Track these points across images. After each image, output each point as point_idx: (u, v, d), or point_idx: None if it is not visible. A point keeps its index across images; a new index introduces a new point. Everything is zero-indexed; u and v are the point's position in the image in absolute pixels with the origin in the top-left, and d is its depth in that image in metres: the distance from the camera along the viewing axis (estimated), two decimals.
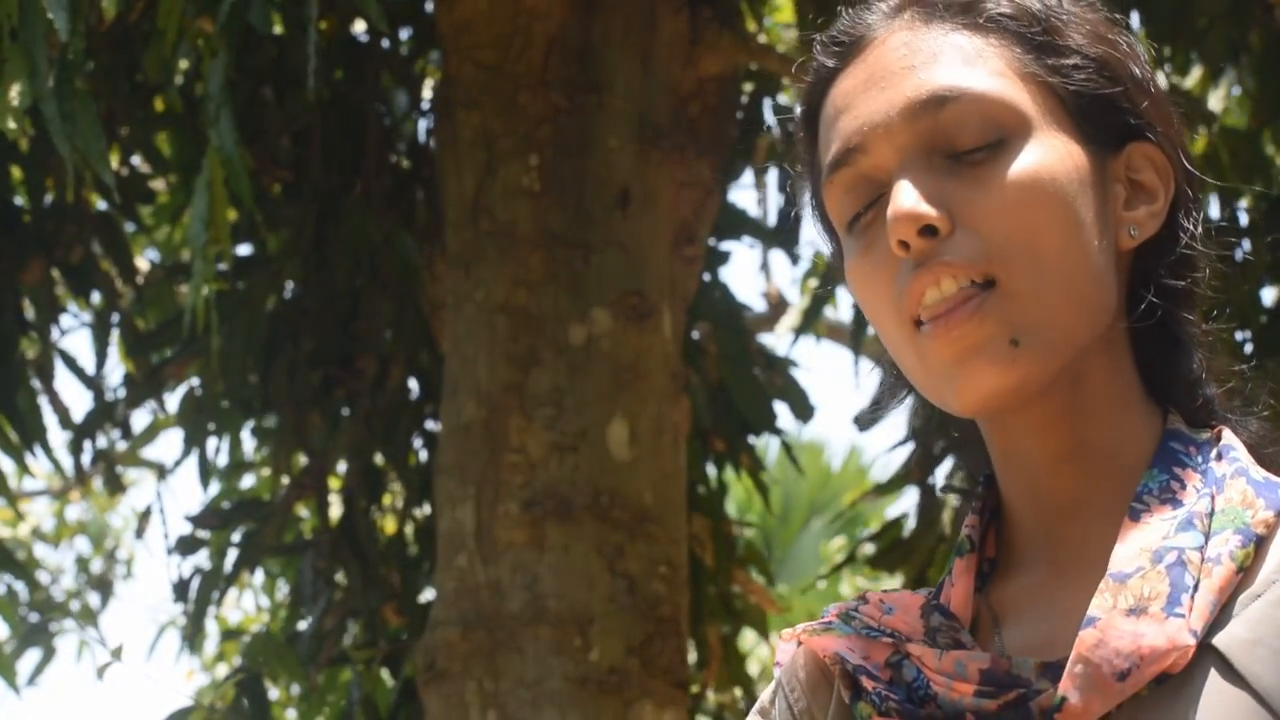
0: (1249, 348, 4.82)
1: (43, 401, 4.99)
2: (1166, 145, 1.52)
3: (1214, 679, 1.36)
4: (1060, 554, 1.48)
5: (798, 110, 1.60)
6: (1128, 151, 1.51)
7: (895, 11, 1.54)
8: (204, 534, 5.46)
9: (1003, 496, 1.54)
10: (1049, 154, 1.46)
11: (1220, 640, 1.37)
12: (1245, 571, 1.40)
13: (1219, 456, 1.47)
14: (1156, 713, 1.36)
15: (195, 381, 5.31)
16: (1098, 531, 1.46)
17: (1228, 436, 1.49)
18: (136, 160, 5.24)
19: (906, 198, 1.43)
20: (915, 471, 5.22)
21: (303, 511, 5.80)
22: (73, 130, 3.52)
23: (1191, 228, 1.52)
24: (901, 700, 1.43)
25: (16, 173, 4.91)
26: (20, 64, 3.46)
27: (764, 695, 1.59)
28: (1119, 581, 1.39)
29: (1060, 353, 1.44)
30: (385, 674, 5.37)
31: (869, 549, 5.63)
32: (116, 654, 3.78)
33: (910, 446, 5.32)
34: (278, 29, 4.57)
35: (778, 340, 7.57)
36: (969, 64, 1.48)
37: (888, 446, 5.37)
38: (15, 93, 3.46)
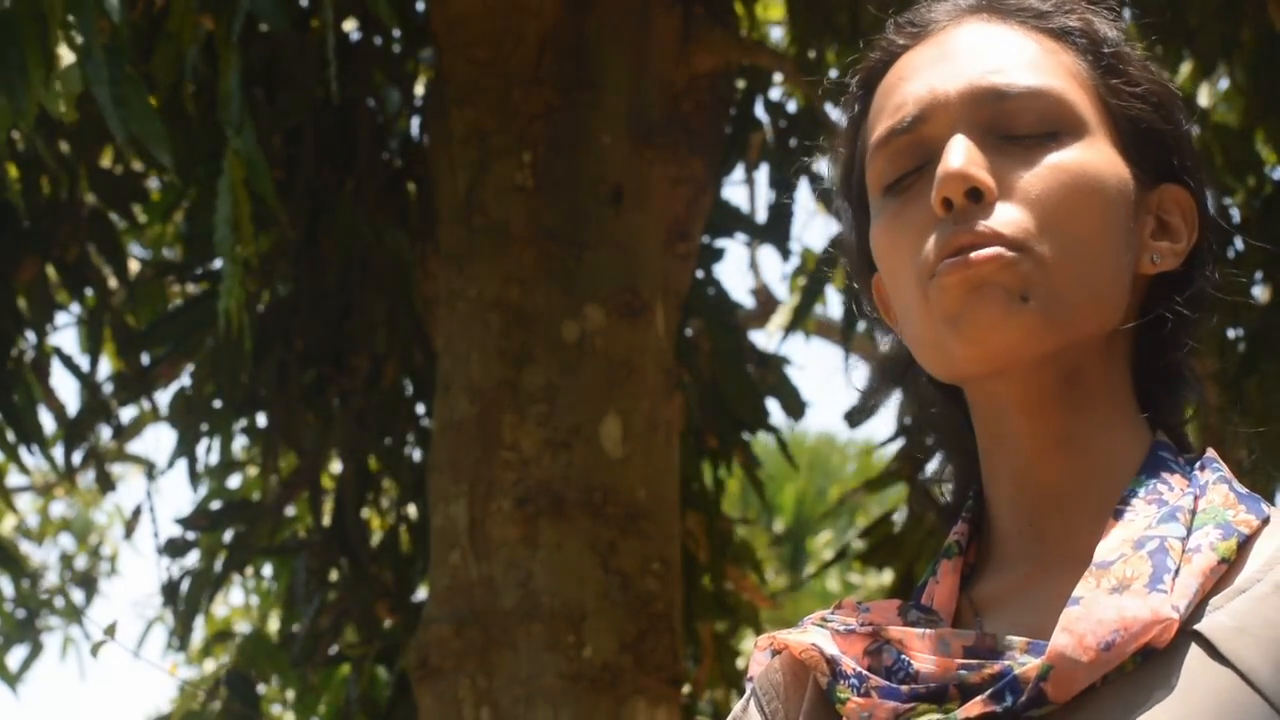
0: (1242, 346, 4.83)
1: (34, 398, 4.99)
2: (1198, 194, 1.57)
3: (1199, 658, 1.37)
4: (1043, 550, 1.50)
5: (854, 82, 1.63)
6: (1161, 190, 1.56)
7: (970, 10, 1.59)
8: (193, 536, 5.46)
9: (987, 498, 1.56)
10: (1096, 155, 1.50)
11: (1204, 626, 1.38)
12: (1229, 567, 1.42)
13: (1202, 467, 1.50)
14: (1140, 689, 1.37)
15: (186, 381, 5.31)
16: (1082, 527, 1.48)
17: (1212, 453, 1.53)
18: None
19: (959, 157, 1.47)
20: (905, 467, 5.23)
21: (292, 511, 5.79)
22: (126, 115, 3.52)
23: (1210, 275, 1.57)
24: (882, 681, 1.44)
25: (12, 170, 4.90)
26: (72, 51, 3.46)
27: (737, 706, 1.59)
28: (1102, 568, 1.41)
29: (1065, 329, 1.46)
30: (382, 671, 5.38)
31: (859, 546, 5.64)
32: (110, 631, 3.78)
33: (900, 442, 5.33)
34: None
35: (769, 338, 7.58)
36: (1038, 62, 1.53)
37: (879, 442, 5.39)
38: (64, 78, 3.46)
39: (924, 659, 1.43)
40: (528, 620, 4.06)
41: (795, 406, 5.41)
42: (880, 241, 1.54)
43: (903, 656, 1.44)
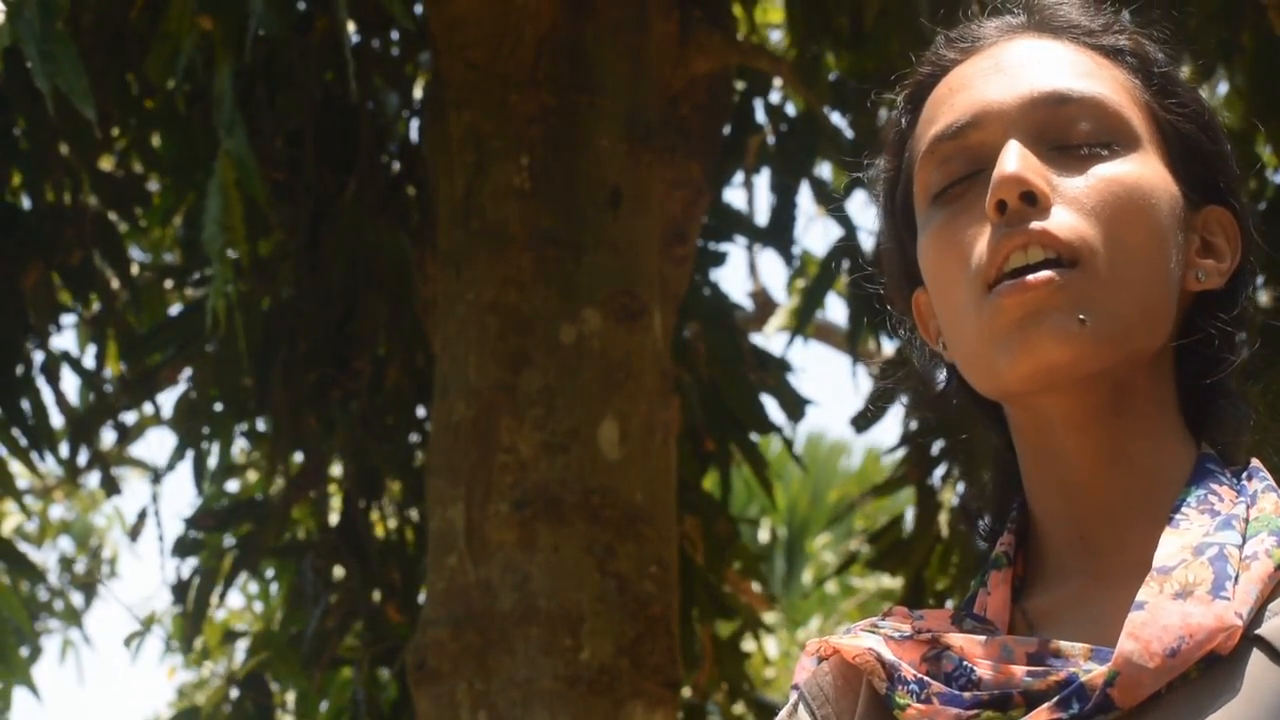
0: (1245, 351, 4.81)
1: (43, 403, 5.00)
2: (1241, 217, 1.59)
3: (1261, 662, 1.38)
4: (1095, 563, 1.50)
5: (900, 96, 1.64)
6: (1207, 211, 1.57)
7: (1021, 26, 1.60)
8: (201, 536, 5.47)
9: (1032, 512, 1.56)
10: (1150, 171, 1.51)
11: (1265, 630, 1.39)
12: None
13: (1250, 477, 1.51)
14: (1205, 694, 1.37)
15: (189, 384, 5.32)
16: (1134, 540, 1.48)
17: (1257, 463, 1.54)
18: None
19: (1014, 161, 1.47)
20: (912, 473, 5.23)
21: (297, 513, 5.80)
22: (53, 70, 3.52)
23: (1250, 295, 1.59)
24: (943, 687, 1.44)
25: (16, 175, 4.91)
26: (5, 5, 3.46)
27: (782, 713, 1.59)
28: (1163, 573, 1.41)
29: (1118, 346, 1.46)
30: (385, 672, 5.39)
31: (866, 551, 5.64)
32: (148, 624, 3.78)
33: (907, 448, 5.33)
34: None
35: (767, 340, 7.58)
36: (1094, 73, 1.55)
37: (873, 444, 5.39)
38: None
39: (987, 665, 1.42)
40: (525, 623, 4.06)
41: (794, 408, 5.41)
42: (929, 251, 1.53)
43: (964, 663, 1.44)
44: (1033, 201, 1.46)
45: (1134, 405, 1.51)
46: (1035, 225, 1.45)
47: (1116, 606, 1.43)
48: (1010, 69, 1.54)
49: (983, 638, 1.45)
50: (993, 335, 1.46)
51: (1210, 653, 1.38)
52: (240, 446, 5.86)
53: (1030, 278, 1.44)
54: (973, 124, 1.52)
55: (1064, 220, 1.46)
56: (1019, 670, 1.41)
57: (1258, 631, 1.39)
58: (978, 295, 1.47)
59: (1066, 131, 1.50)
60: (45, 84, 3.53)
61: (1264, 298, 5.07)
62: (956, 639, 1.46)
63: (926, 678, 1.45)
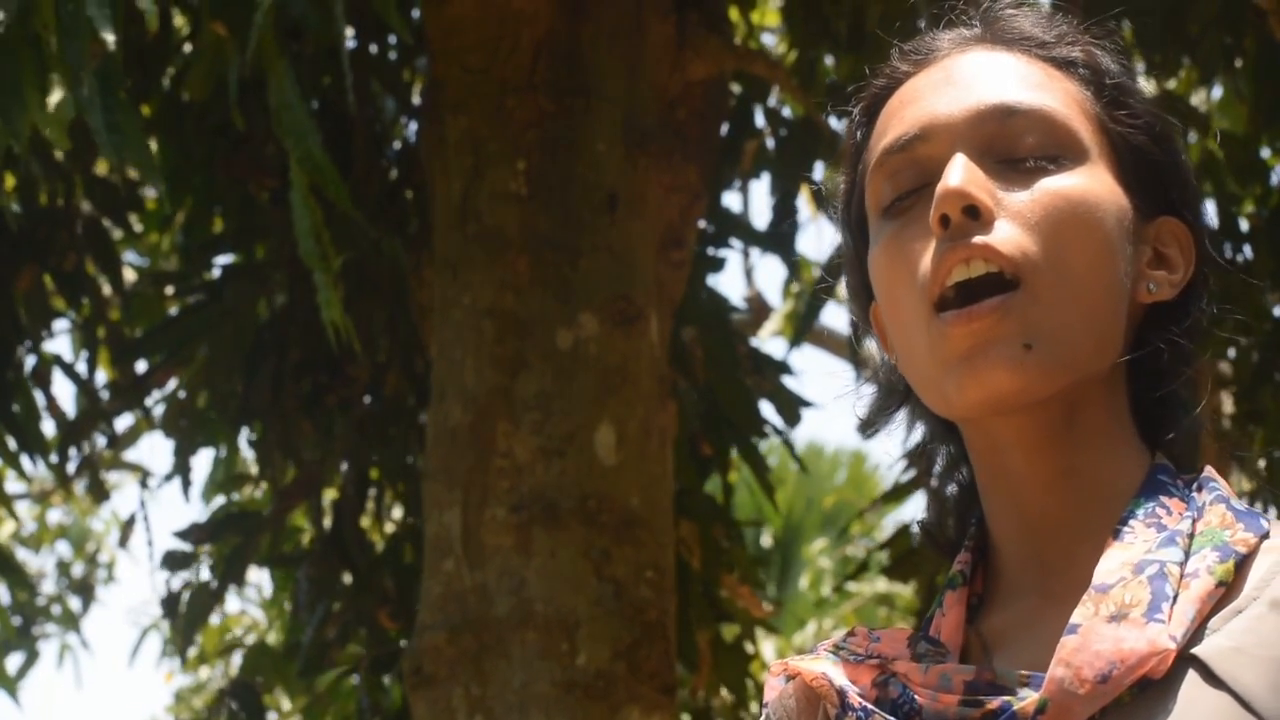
0: (1255, 355, 4.82)
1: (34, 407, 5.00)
2: (1195, 229, 1.58)
3: (1195, 682, 1.37)
4: (1048, 580, 1.50)
5: (856, 110, 1.64)
6: (1159, 223, 1.56)
7: (974, 39, 1.60)
8: (191, 549, 5.46)
9: (989, 529, 1.56)
10: (1097, 184, 1.51)
11: (1201, 650, 1.38)
12: (1227, 589, 1.41)
13: (1200, 488, 1.50)
14: (1137, 718, 1.36)
15: (182, 391, 5.31)
16: (1085, 555, 1.47)
17: (1210, 472, 1.53)
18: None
19: (958, 175, 1.47)
20: (922, 479, 5.21)
21: (298, 521, 5.79)
22: (119, 141, 3.50)
23: (1204, 307, 1.58)
24: (887, 717, 1.44)
25: (9, 179, 4.90)
26: (63, 76, 3.44)
27: None
28: (1101, 592, 1.41)
29: (1066, 369, 1.46)
30: (388, 679, 5.39)
31: (879, 558, 5.64)
32: (157, 625, 3.79)
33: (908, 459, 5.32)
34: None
35: (762, 344, 7.57)
36: (1043, 85, 1.54)
37: (894, 456, 5.37)
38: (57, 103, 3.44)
39: (925, 695, 1.43)
40: (521, 628, 4.05)
41: (791, 412, 5.40)
42: (878, 264, 1.54)
43: (908, 690, 1.45)
44: (976, 215, 1.46)
45: (1086, 420, 1.51)
46: (978, 239, 1.45)
47: (1063, 625, 1.42)
48: (960, 82, 1.54)
49: (923, 666, 1.45)
50: (942, 361, 1.47)
51: (1143, 676, 1.37)
52: (248, 456, 5.84)
53: (975, 307, 1.44)
54: (920, 137, 1.52)
55: (1006, 235, 1.46)
56: (955, 700, 1.41)
57: (1194, 650, 1.38)
58: (925, 314, 1.48)
59: (1013, 145, 1.50)
60: (112, 156, 3.52)
61: (1272, 300, 5.06)
62: (902, 665, 1.47)
63: (872, 705, 1.46)
